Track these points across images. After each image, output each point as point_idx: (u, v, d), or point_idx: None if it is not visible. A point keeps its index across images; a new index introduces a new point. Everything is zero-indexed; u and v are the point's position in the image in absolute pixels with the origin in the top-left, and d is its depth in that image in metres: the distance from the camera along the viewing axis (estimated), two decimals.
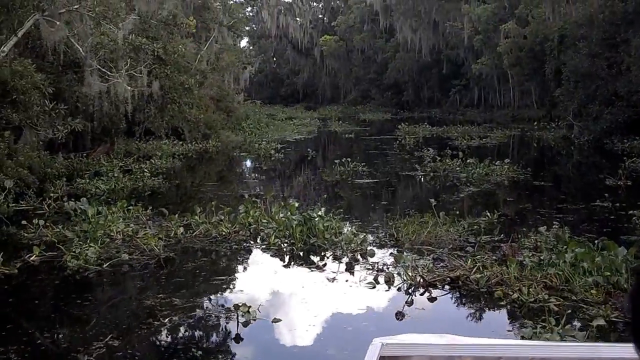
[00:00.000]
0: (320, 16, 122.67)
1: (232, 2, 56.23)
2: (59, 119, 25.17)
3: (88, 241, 14.73)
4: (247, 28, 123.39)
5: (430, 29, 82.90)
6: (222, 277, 13.19)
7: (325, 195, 24.19)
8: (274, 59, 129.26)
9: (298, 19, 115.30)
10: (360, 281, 12.29)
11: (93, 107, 30.19)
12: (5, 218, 18.49)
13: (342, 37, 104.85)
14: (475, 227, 16.10)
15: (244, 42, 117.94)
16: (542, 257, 12.25)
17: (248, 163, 35.54)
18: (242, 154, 38.02)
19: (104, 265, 13.36)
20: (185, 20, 34.66)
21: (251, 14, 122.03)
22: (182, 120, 37.11)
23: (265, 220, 16.41)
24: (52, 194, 21.16)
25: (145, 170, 28.32)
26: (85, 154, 31.01)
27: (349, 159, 29.48)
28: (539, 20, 56.60)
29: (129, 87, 24.39)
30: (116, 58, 24.77)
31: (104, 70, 24.80)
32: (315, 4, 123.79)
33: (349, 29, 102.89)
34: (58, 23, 23.61)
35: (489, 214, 17.26)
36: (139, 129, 34.93)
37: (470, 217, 17.33)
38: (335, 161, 29.50)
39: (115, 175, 25.03)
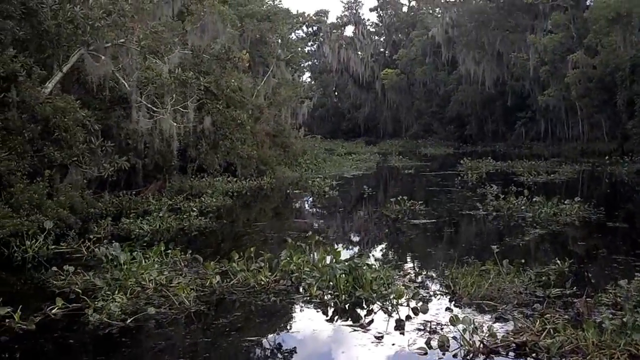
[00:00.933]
0: (381, 50, 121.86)
1: (291, 36, 55.47)
2: (106, 156, 24.37)
3: (116, 291, 13.58)
4: (308, 63, 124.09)
5: (494, 60, 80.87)
6: (256, 337, 11.79)
7: (376, 238, 22.70)
8: (336, 93, 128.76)
9: (359, 52, 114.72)
10: (409, 345, 10.73)
11: (144, 143, 29.48)
12: (44, 261, 17.60)
13: (403, 70, 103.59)
14: (544, 277, 14.44)
15: (306, 77, 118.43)
16: (624, 319, 10.45)
17: (300, 201, 34.25)
18: (295, 190, 36.75)
19: (128, 321, 12.14)
20: (239, 54, 33.88)
21: (312, 48, 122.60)
22: (234, 157, 36.15)
23: (307, 269, 14.99)
24: (93, 235, 20.32)
25: (194, 208, 27.28)
26: (135, 192, 30.26)
27: (405, 197, 27.92)
28: (609, 50, 54.25)
29: (175, 123, 23.47)
30: (162, 93, 23.90)
31: (149, 105, 23.97)
32: (376, 37, 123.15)
33: (411, 62, 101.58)
34: (103, 57, 22.92)
35: (558, 261, 15.50)
36: (191, 165, 34.09)
37: (537, 265, 15.60)
38: (392, 199, 27.96)
39: (161, 215, 24.00)
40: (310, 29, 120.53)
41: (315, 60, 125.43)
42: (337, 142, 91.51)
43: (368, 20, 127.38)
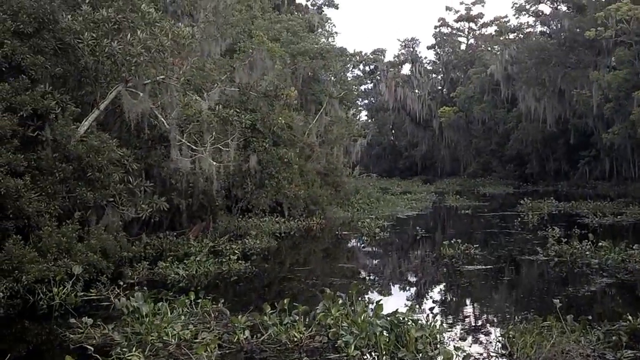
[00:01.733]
0: (439, 87, 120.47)
1: (345, 74, 54.53)
2: (145, 197, 23.42)
3: (134, 348, 12.34)
4: (365, 101, 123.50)
5: (556, 97, 78.41)
6: None
7: (425, 288, 21.08)
8: (392, 131, 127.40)
9: (416, 90, 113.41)
10: None
11: (188, 183, 28.54)
12: (72, 309, 16.57)
13: (461, 108, 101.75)
14: (614, 337, 12.66)
15: (363, 115, 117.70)
16: None
17: (349, 243, 32.75)
18: (345, 232, 35.26)
19: None
20: (287, 91, 32.90)
21: (369, 87, 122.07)
22: (282, 197, 35.01)
23: (346, 324, 13.48)
24: (126, 281, 19.32)
25: (236, 251, 26.15)
26: (177, 234, 29.27)
27: (460, 240, 26.23)
28: None
29: (215, 163, 22.41)
30: (201, 131, 22.94)
31: (189, 144, 22.98)
32: (434, 75, 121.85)
33: (469, 99, 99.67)
34: (141, 94, 22.08)
35: (630, 317, 13.68)
36: (237, 205, 33.01)
37: (605, 321, 13.81)
38: (445, 242, 26.29)
39: (199, 258, 22.85)
40: (367, 68, 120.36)
41: (372, 99, 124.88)
42: (393, 181, 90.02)
43: (425, 58, 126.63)
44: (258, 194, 33.34)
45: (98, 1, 21.97)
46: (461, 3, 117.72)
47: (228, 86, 31.53)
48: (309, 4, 70.08)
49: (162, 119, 22.61)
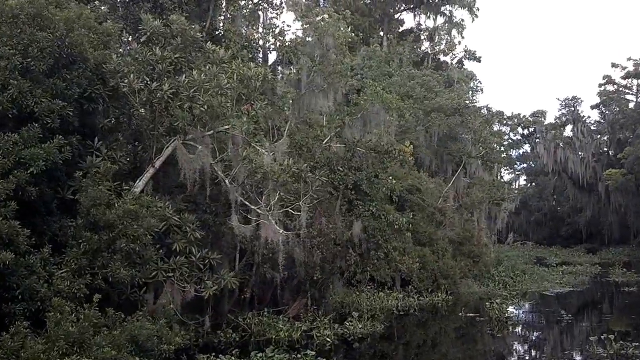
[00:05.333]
0: (604, 149, 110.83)
1: (486, 132, 49.09)
2: (211, 271, 19.50)
3: None
4: (523, 165, 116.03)
5: None
6: None
7: None
8: (554, 196, 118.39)
9: (580, 153, 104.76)
10: None
11: (283, 253, 24.41)
12: None
13: (630, 170, 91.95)
14: None
15: (522, 181, 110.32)
16: None
17: (472, 330, 27.05)
18: (469, 314, 29.47)
19: None
20: (400, 146, 28.28)
21: (527, 150, 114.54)
22: (391, 270, 30.04)
23: None
24: None
25: (328, 339, 21.56)
26: (275, 311, 25.24)
27: (615, 332, 20.11)
28: None
29: (281, 230, 18.10)
30: (266, 191, 18.82)
31: (252, 206, 18.83)
32: (598, 136, 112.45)
33: (639, 160, 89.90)
34: (200, 148, 18.29)
35: None
36: (341, 278, 28.34)
37: None
38: (590, 338, 20.23)
39: (270, 354, 18.31)
40: (526, 131, 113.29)
41: (531, 163, 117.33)
42: (552, 250, 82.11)
43: (589, 118, 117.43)
44: (362, 267, 28.58)
45: (153, 39, 18.56)
46: (629, 59, 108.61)
47: (333, 142, 27.44)
48: (447, 58, 65.52)
49: (223, 177, 18.63)
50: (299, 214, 19.08)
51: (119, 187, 18.01)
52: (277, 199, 18.23)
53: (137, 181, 18.78)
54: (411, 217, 32.91)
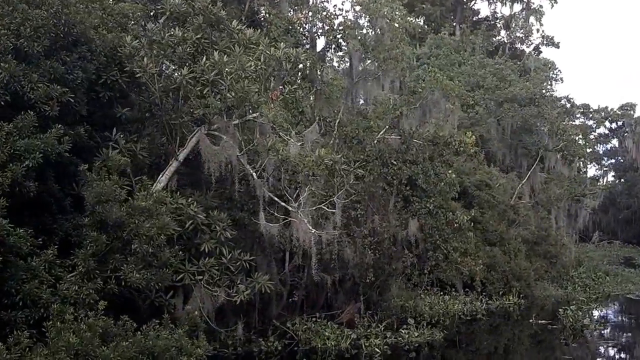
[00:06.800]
0: None
1: (564, 123, 45.90)
2: (240, 273, 17.74)
3: None
4: (611, 160, 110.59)
5: None
6: None
7: None
8: None
9: None
10: None
11: (331, 254, 22.54)
12: None
13: None
14: None
15: (610, 177, 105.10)
16: None
17: (549, 337, 24.46)
18: (540, 320, 26.76)
19: None
20: (461, 137, 25.83)
21: (615, 144, 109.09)
22: (452, 273, 27.65)
23: None
24: None
25: (377, 349, 19.52)
26: (327, 316, 23.50)
27: None
28: None
29: (312, 229, 16.07)
30: (297, 184, 16.90)
31: (280, 201, 16.91)
32: None
33: None
34: (225, 138, 16.53)
35: None
36: (399, 281, 26.13)
37: None
38: None
39: None
40: (613, 125, 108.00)
41: (620, 158, 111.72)
42: None
43: None
44: (421, 268, 26.32)
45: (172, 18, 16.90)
46: None
47: (388, 134, 25.33)
48: (524, 46, 62.00)
49: (250, 170, 16.80)
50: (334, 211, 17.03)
51: (140, 182, 16.51)
52: (307, 193, 16.25)
53: (160, 176, 17.19)
54: (478, 214, 30.49)
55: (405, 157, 24.76)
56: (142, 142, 17.23)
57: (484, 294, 30.56)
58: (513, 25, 61.37)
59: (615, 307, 31.32)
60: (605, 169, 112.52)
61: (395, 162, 24.35)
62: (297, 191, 16.96)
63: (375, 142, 24.74)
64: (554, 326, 25.73)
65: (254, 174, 16.70)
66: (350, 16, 25.59)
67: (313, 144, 18.01)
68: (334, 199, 16.62)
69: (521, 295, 31.77)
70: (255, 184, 16.75)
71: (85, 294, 14.13)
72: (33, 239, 14.03)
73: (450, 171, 26.53)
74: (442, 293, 28.53)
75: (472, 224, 29.99)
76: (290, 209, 16.50)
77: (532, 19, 61.77)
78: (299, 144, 16.47)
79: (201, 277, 17.09)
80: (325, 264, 22.92)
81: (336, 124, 24.15)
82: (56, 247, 14.38)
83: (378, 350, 19.86)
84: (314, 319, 22.83)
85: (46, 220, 15.38)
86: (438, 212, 26.02)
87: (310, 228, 15.98)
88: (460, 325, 26.07)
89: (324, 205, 16.60)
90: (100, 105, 16.87)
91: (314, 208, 16.46)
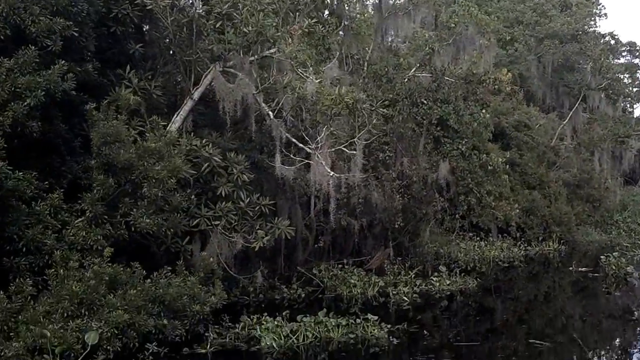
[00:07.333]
0: None
1: (608, 60, 43.73)
2: (260, 218, 16.89)
3: None
4: None
5: None
6: None
7: None
8: None
9: None
10: None
11: (358, 198, 21.64)
12: None
13: None
14: None
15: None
16: None
17: (592, 284, 23.32)
18: (581, 268, 25.58)
19: None
20: (496, 74, 24.26)
21: None
22: (486, 217, 26.47)
23: None
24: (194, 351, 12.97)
25: (405, 297, 18.69)
26: (355, 262, 22.85)
27: None
28: None
29: (330, 172, 14.97)
30: (315, 125, 15.81)
31: (298, 143, 15.82)
32: None
33: None
34: (240, 75, 15.49)
35: None
36: (431, 226, 25.10)
37: None
38: None
39: (321, 318, 15.44)
40: None
41: None
42: None
43: None
44: (453, 213, 25.22)
45: None
46: None
47: (419, 72, 24.04)
48: None
49: (267, 109, 15.76)
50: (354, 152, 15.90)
51: (154, 122, 15.61)
52: (326, 134, 15.17)
53: (174, 116, 16.29)
54: (516, 156, 29.15)
55: (437, 96, 23.43)
56: (157, 80, 16.37)
57: (522, 239, 29.46)
58: None
59: None
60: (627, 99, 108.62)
61: (425, 102, 23.08)
62: (316, 132, 15.88)
63: (405, 80, 23.51)
64: (596, 274, 24.55)
65: (270, 113, 15.65)
66: None
67: (333, 81, 16.85)
68: (355, 139, 15.51)
69: (562, 241, 30.61)
70: (272, 124, 15.71)
71: (92, 240, 13.42)
72: (38, 182, 13.37)
73: (484, 111, 25.12)
74: (478, 239, 27.50)
75: (509, 166, 28.75)
76: (308, 150, 15.45)
77: None
78: (317, 81, 15.30)
79: (218, 222, 16.27)
80: (352, 208, 22.06)
81: (365, 61, 22.92)
82: (62, 190, 13.69)
83: (406, 299, 18.96)
84: (340, 266, 22.05)
85: (54, 162, 14.64)
86: (471, 154, 24.75)
87: (328, 170, 14.94)
88: (498, 272, 25.08)
89: (344, 147, 15.52)
90: (112, 41, 16.01)
91: (333, 150, 15.38)
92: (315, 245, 22.55)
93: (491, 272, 24.60)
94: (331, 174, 14.96)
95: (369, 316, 15.48)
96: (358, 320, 15.28)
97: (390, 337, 14.73)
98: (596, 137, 39.65)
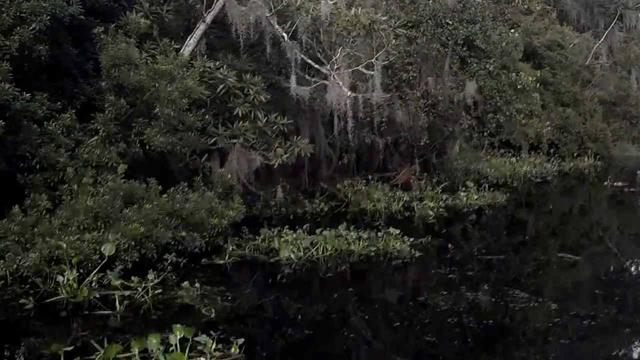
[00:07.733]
0: None
1: None
2: (278, 136, 16.83)
3: None
4: None
5: None
6: None
7: None
8: None
9: None
10: None
11: (380, 117, 21.34)
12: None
13: None
14: None
15: None
16: None
17: (629, 198, 22.81)
18: (616, 182, 25.03)
19: None
20: None
21: None
22: (517, 135, 25.96)
23: None
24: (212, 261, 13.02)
25: (430, 212, 18.48)
26: (381, 178, 22.55)
27: None
28: None
29: (348, 91, 14.63)
30: (332, 44, 15.47)
31: (314, 64, 15.51)
32: None
33: None
34: None
35: None
36: (460, 142, 24.72)
37: None
38: None
39: (341, 232, 15.20)
40: None
41: None
42: None
43: None
44: (480, 130, 24.73)
45: None
46: None
47: None
48: None
49: (281, 31, 15.48)
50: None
51: (166, 45, 15.54)
52: (341, 55, 14.78)
53: (187, 39, 16.17)
54: (549, 75, 28.42)
55: (462, 16, 22.67)
56: (169, 4, 16.31)
57: (555, 155, 28.98)
58: None
59: None
60: None
61: (450, 22, 22.35)
62: (334, 53, 15.58)
63: (429, 1, 22.83)
64: (632, 189, 24.01)
65: (285, 35, 15.39)
66: None
67: (352, 1, 16.46)
68: (372, 60, 15.12)
69: (597, 157, 30.03)
70: (287, 46, 15.45)
71: (107, 158, 13.54)
72: (50, 103, 13.49)
73: (512, 30, 24.36)
74: (510, 154, 27.14)
75: (542, 85, 28.05)
76: (324, 71, 15.19)
77: None
78: (332, 2, 14.91)
79: (235, 140, 16.28)
80: (376, 127, 21.77)
81: None
82: (74, 112, 13.81)
83: (432, 213, 18.72)
84: (365, 182, 21.78)
85: (66, 85, 14.81)
86: (499, 73, 24.06)
87: (345, 90, 14.65)
88: (531, 187, 24.75)
89: (362, 68, 15.17)
90: None
91: (350, 70, 15.06)
92: (340, 163, 22.38)
93: (523, 187, 24.29)
94: (348, 94, 14.69)
95: (391, 230, 15.26)
96: (380, 234, 15.11)
97: (413, 249, 14.51)
98: (633, 56, 38.59)
